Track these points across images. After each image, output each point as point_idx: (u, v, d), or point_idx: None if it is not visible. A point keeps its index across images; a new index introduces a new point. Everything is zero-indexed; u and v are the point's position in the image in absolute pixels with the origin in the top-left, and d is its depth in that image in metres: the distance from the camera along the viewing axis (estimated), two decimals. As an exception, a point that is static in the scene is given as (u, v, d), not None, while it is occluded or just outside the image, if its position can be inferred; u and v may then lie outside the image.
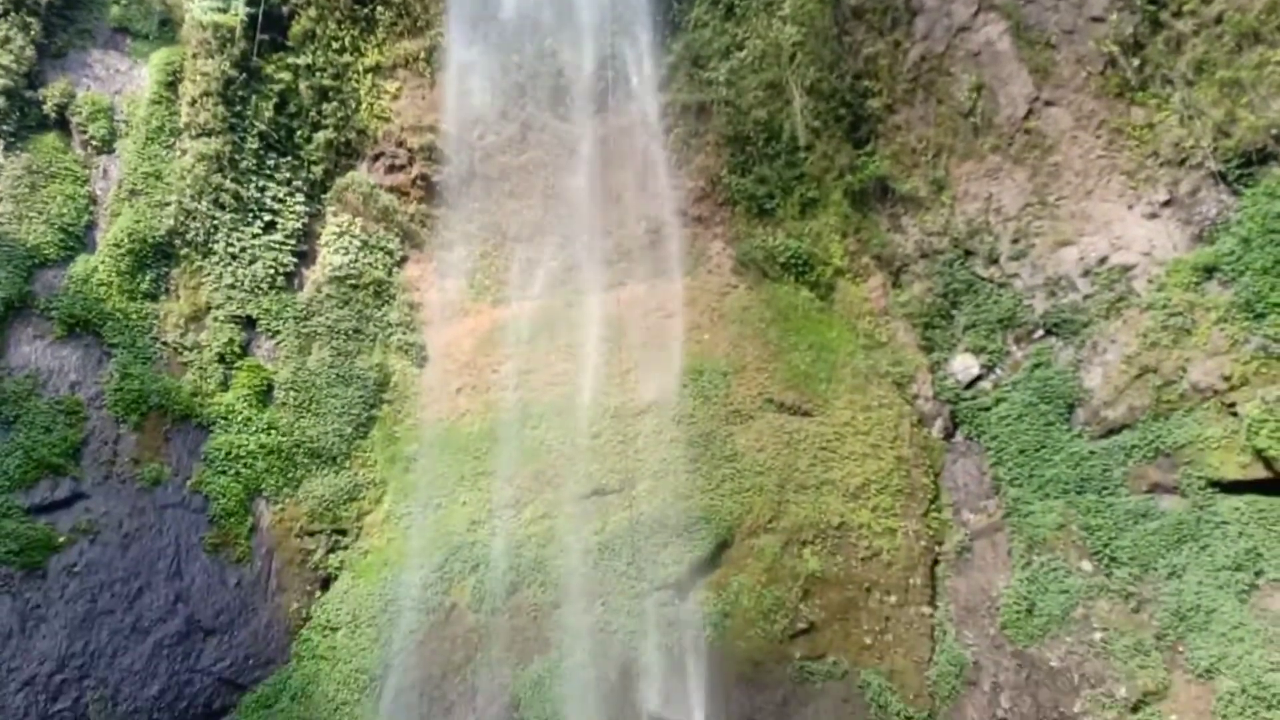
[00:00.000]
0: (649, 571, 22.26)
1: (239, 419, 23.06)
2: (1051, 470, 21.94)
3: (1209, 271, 21.09)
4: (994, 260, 24.28)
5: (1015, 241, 24.01)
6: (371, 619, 22.51)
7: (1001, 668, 21.31)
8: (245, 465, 22.81)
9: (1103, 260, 22.72)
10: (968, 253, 24.71)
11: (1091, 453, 21.66)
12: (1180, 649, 19.61)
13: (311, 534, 23.29)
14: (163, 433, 22.16)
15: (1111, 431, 21.65)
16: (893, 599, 22.33)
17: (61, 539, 20.46)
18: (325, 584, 23.27)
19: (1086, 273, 22.88)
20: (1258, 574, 19.27)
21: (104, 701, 20.01)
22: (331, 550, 23.52)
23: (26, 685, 19.48)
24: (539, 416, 24.26)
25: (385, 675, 21.90)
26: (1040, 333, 23.37)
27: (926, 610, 22.41)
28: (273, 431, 23.32)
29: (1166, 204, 22.26)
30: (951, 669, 21.69)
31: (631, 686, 21.43)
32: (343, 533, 23.70)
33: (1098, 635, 20.33)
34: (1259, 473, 19.68)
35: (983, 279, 24.40)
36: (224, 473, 22.55)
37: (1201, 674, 19.23)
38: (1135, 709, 19.63)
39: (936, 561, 22.91)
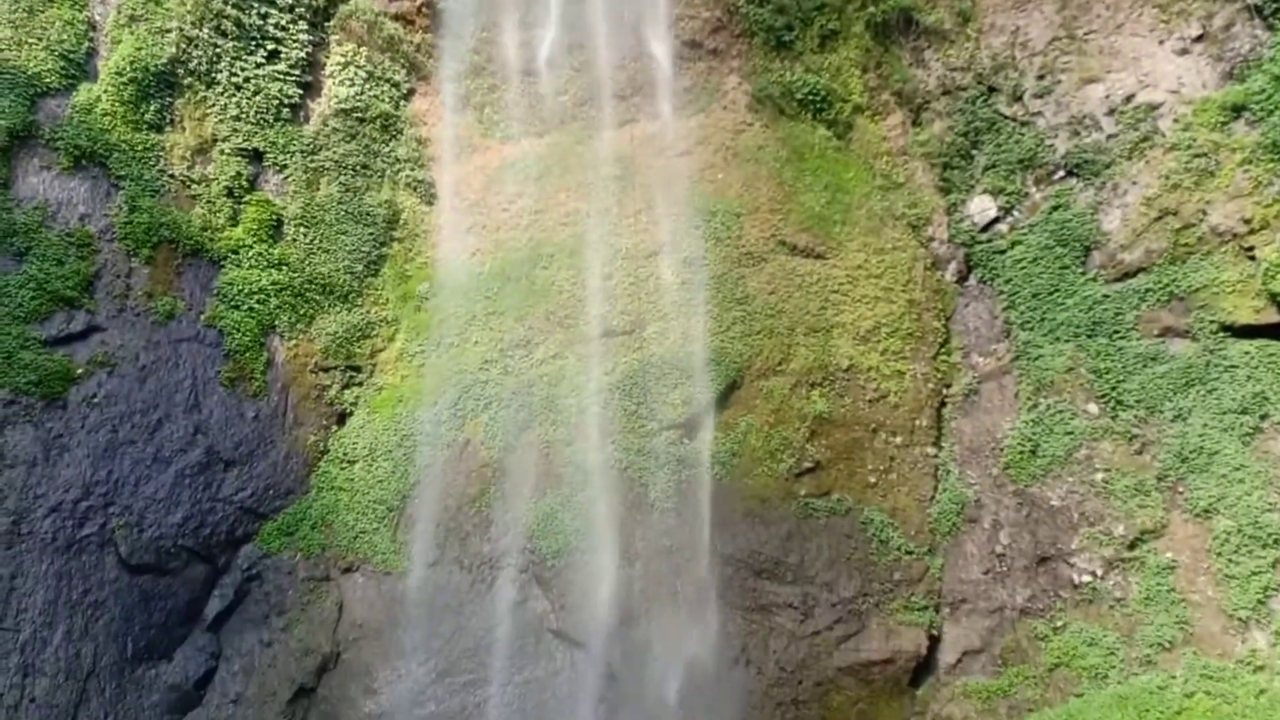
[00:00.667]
0: (659, 412, 22.56)
1: (250, 254, 23.02)
2: (1063, 314, 21.90)
3: (1237, 111, 20.51)
4: (1018, 98, 23.63)
5: (1041, 78, 23.30)
6: (387, 453, 22.99)
7: (1002, 506, 21.79)
8: (258, 301, 22.89)
9: (1129, 98, 22.08)
10: (991, 89, 24.03)
11: (1105, 296, 21.56)
12: (1180, 490, 19.98)
13: (326, 370, 23.57)
14: (174, 267, 22.18)
15: (1126, 275, 21.50)
16: (898, 440, 22.66)
17: (79, 370, 20.74)
18: (341, 419, 23.68)
19: (1111, 111, 22.27)
20: (1263, 417, 19.44)
21: (129, 528, 20.67)
22: (346, 386, 23.84)
23: (53, 511, 20.07)
24: (549, 257, 24.15)
25: (402, 507, 22.51)
26: (1061, 174, 22.92)
27: (931, 451, 22.77)
28: (284, 268, 23.31)
29: (1198, 39, 21.47)
30: (953, 507, 22.19)
31: (643, 521, 22.01)
32: (357, 369, 23.98)
33: (1099, 476, 20.68)
34: (1272, 317, 19.63)
35: (1005, 117, 23.79)
36: (237, 308, 22.66)
37: (1199, 514, 19.64)
38: (1132, 546, 20.14)
39: (943, 404, 23.15)
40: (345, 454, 23.06)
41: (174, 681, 20.78)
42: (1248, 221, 20.01)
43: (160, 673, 20.74)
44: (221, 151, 23.07)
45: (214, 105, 23.02)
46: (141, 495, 20.85)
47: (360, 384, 23.95)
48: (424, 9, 25.76)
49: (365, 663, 21.26)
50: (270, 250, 23.30)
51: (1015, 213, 23.49)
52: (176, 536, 21.02)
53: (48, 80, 21.33)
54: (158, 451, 21.14)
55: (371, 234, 24.42)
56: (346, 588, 21.91)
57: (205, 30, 22.78)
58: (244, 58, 23.38)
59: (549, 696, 21.15)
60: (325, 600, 21.74)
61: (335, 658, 21.34)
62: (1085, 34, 22.74)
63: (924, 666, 21.58)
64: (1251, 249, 19.96)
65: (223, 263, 22.80)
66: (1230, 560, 19.13)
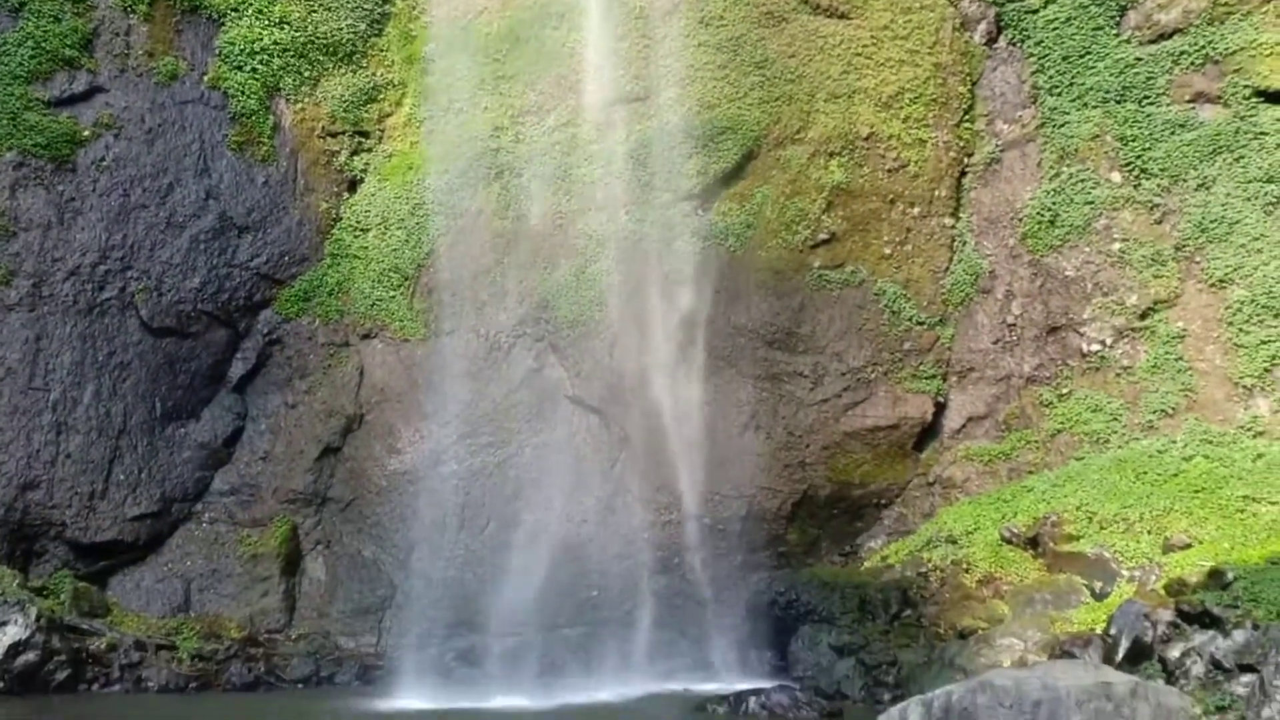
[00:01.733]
0: (673, 182, 22.30)
1: (250, 10, 22.17)
2: (1093, 78, 21.28)
3: None
4: None
5: None
6: (400, 221, 22.86)
7: (1016, 276, 21.87)
8: (261, 62, 22.20)
9: None
10: None
11: (1138, 59, 20.89)
12: (1197, 260, 20.01)
13: (334, 135, 23.13)
14: (173, 24, 21.42)
15: (1161, 37, 20.74)
16: (915, 210, 22.48)
17: (85, 133, 20.39)
18: (352, 186, 23.41)
19: None
20: (1287, 186, 19.22)
21: (148, 292, 20.84)
22: (355, 153, 23.45)
23: (72, 275, 20.21)
24: (559, 16, 23.22)
25: (417, 275, 22.60)
26: (1098, -71, 21.75)
27: (948, 222, 22.64)
28: (286, 26, 22.47)
29: None
30: (967, 278, 22.28)
31: (656, 292, 22.16)
32: (365, 135, 23.53)
33: (1117, 245, 20.66)
34: (1308, 82, 19.10)
35: None
36: (240, 69, 22.01)
37: (1215, 283, 19.74)
38: (1143, 316, 20.35)
39: (963, 174, 22.83)
40: (358, 222, 22.95)
41: (203, 440, 21.49)
42: (1292, -21, 19.17)
43: (189, 431, 21.41)
44: (213, -102, 21.86)
45: None
46: (158, 260, 20.91)
47: (369, 150, 23.56)
48: None
49: (388, 424, 21.89)
50: (271, 7, 22.42)
51: (1049, -29, 22.41)
52: (195, 301, 21.22)
53: None
54: (170, 216, 21.05)
55: (372, -12, 23.47)
56: (366, 353, 22.29)
57: None
58: None
59: (566, 458, 21.87)
60: (346, 365, 22.17)
61: (359, 419, 21.97)
62: None
63: (928, 431, 22.23)
64: (1294, 10, 19.21)
65: (223, 20, 22.00)
66: (1241, 329, 19.37)
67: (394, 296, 22.46)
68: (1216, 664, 11.90)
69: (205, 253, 21.34)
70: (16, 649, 17.00)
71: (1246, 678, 11.47)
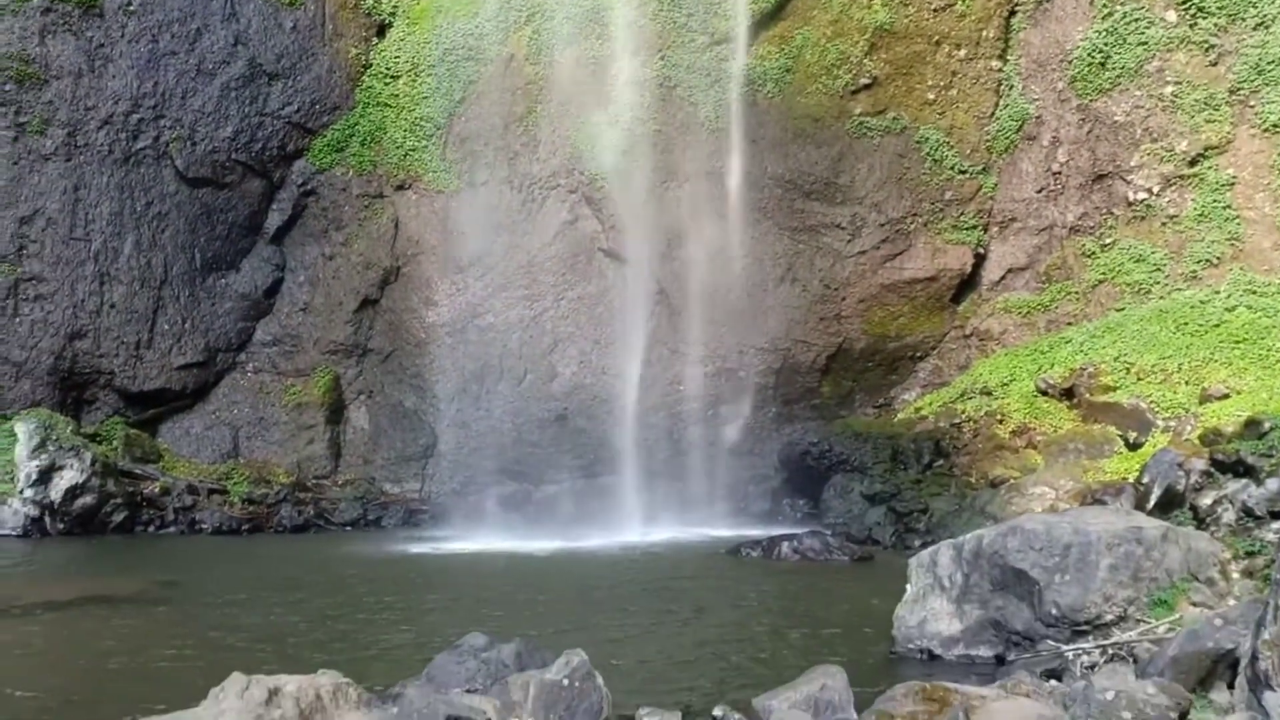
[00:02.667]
0: (709, 23, 21.63)
1: None
2: (1155, -91, 20.13)
3: None
4: None
5: None
6: (430, 68, 22.44)
7: (1064, 122, 21.24)
8: (284, -100, 21.52)
9: None
10: None
11: (1203, -112, 19.71)
12: (1251, 103, 19.30)
13: (362, -23, 22.53)
14: None
15: None
16: (961, 53, 21.72)
17: (111, -23, 20.01)
18: (381, 31, 22.91)
19: None
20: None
21: (182, 141, 20.77)
22: (383, -4, 22.87)
23: (106, 124, 20.13)
24: None
25: (449, 124, 22.31)
26: None
27: (995, 65, 21.87)
28: None
29: None
30: (1012, 124, 21.67)
31: (692, 141, 21.77)
32: (393, -23, 22.88)
33: (1169, 89, 19.94)
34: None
35: None
36: (262, -93, 21.35)
37: (1268, 128, 19.09)
38: (1192, 163, 19.79)
39: (1012, 13, 21.90)
40: (388, 68, 22.54)
41: (243, 291, 21.75)
42: None
43: (230, 282, 21.65)
44: None
45: None
46: (190, 108, 20.75)
47: (398, -10, 22.95)
48: None
49: (424, 277, 22.00)
50: None
51: None
52: (229, 150, 21.14)
53: None
54: (200, 63, 20.79)
55: None
56: (401, 205, 22.23)
57: None
58: None
59: (601, 310, 21.96)
60: (381, 216, 22.15)
61: (395, 271, 22.08)
62: None
63: (967, 283, 22.03)
64: None
65: None
66: (1293, 176, 18.82)
67: (426, 146, 22.23)
68: (1248, 511, 12.00)
69: (236, 101, 21.13)
70: (74, 491, 17.68)
71: (1278, 524, 11.58)
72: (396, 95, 22.46)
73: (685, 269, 21.68)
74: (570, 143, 22.12)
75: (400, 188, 22.23)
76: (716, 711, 7.50)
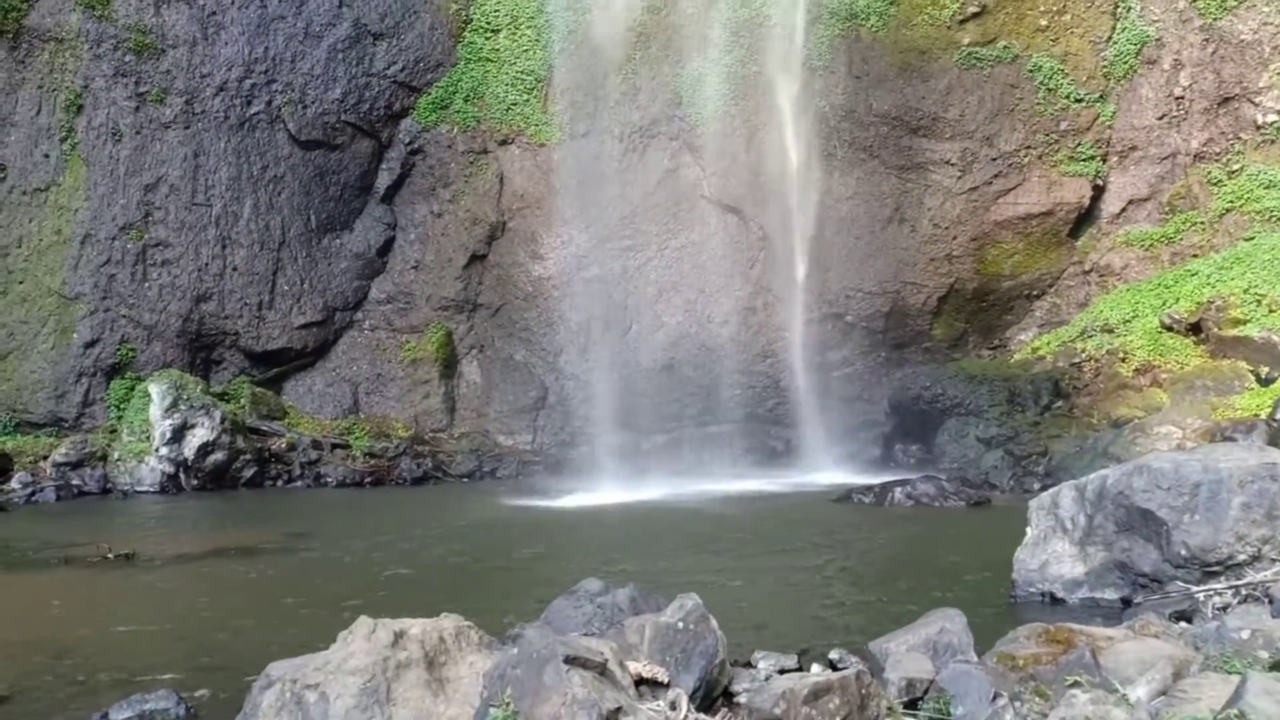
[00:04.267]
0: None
1: None
2: None
3: None
4: None
5: None
6: (530, 19, 22.46)
7: (1185, 43, 20.18)
8: None
9: None
10: None
11: None
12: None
13: (459, -67, 22.59)
14: None
15: None
16: (1076, -23, 20.74)
17: (218, -53, 20.47)
18: (480, -15, 22.97)
19: None
20: None
21: (294, 105, 21.26)
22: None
23: (221, 90, 20.72)
24: None
25: (550, 76, 22.34)
26: None
27: (1112, -13, 20.83)
28: None
29: None
30: (1130, 48, 20.68)
31: (795, 80, 21.38)
32: (490, -69, 22.86)
33: (1305, 3, 18.73)
34: None
35: None
36: None
37: None
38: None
39: (1131, -69, 20.81)
40: (488, 22, 22.61)
41: (358, 250, 22.28)
42: None
43: (344, 242, 22.20)
44: None
45: None
46: (300, 72, 21.21)
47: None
48: None
49: (530, 230, 22.20)
50: None
51: None
52: (339, 112, 21.56)
53: None
54: (308, 26, 21.18)
55: None
56: (505, 160, 22.41)
57: None
58: None
59: (705, 259, 21.87)
60: (486, 172, 22.38)
61: (502, 226, 22.32)
62: None
63: (1085, 217, 21.25)
64: None
65: None
66: None
67: (528, 100, 22.32)
68: (1393, 446, 11.41)
69: (344, 62, 21.51)
70: (206, 449, 18.51)
71: None
72: (497, 49, 22.55)
73: (789, 213, 21.41)
74: (670, 89, 21.95)
75: (504, 143, 22.39)
76: (833, 655, 7.50)
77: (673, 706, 5.36)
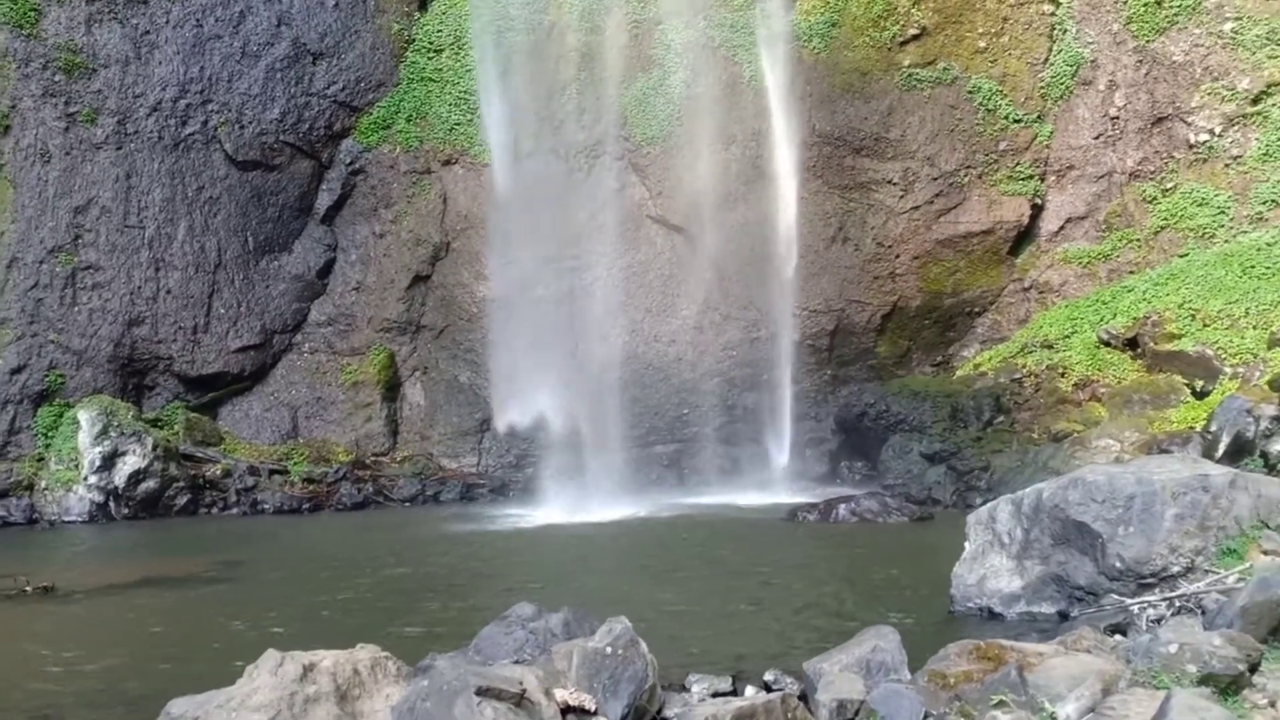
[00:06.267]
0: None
1: None
2: None
3: None
4: None
5: None
6: (475, 39, 22.33)
7: (1120, 65, 20.53)
8: (320, -121, 21.45)
9: None
10: None
11: None
12: (1322, 31, 18.46)
13: (400, -47, 22.45)
14: None
15: None
16: (1013, -3, 21.07)
17: (151, -36, 20.13)
18: (423, 5, 22.84)
19: None
20: None
21: (230, 125, 20.94)
22: (423, -30, 22.76)
23: (154, 110, 20.35)
24: None
25: (491, 98, 22.22)
26: None
27: (1047, 9, 21.17)
28: None
29: None
30: (1067, 69, 21.00)
31: (737, 102, 21.44)
32: (432, -49, 22.76)
33: (1229, 25, 19.20)
34: None
35: None
36: (298, -112, 21.32)
37: (1340, 60, 18.26)
38: (1255, 100, 19.06)
39: (1064, -46, 21.19)
40: (430, 42, 22.47)
41: (297, 272, 21.93)
42: None
43: (283, 264, 21.84)
44: None
45: None
46: (236, 91, 20.90)
47: (438, -34, 22.84)
48: None
49: (474, 251, 21.99)
50: None
51: None
52: (277, 132, 21.27)
53: None
54: (245, 45, 20.90)
55: None
56: (448, 180, 22.22)
57: None
58: None
59: (652, 279, 21.81)
60: (429, 193, 22.17)
61: (445, 247, 22.10)
62: None
63: (1024, 235, 21.48)
64: None
65: None
66: (1367, 108, 18.01)
67: (471, 120, 22.16)
68: (1323, 457, 11.58)
69: (282, 81, 21.24)
70: (137, 477, 18.02)
71: (1356, 469, 11.15)
72: (440, 70, 22.41)
73: (735, 233, 21.42)
74: (615, 109, 21.91)
75: (447, 163, 22.21)
76: (768, 676, 7.37)
77: (597, 735, 5.20)
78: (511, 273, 21.73)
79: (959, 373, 20.59)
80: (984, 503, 12.13)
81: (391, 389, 21.82)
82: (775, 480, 20.07)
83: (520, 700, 4.76)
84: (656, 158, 21.68)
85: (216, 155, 20.93)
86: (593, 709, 5.99)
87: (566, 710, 6.08)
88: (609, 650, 6.14)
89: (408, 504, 20.07)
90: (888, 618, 9.02)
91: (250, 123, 21.01)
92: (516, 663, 7.84)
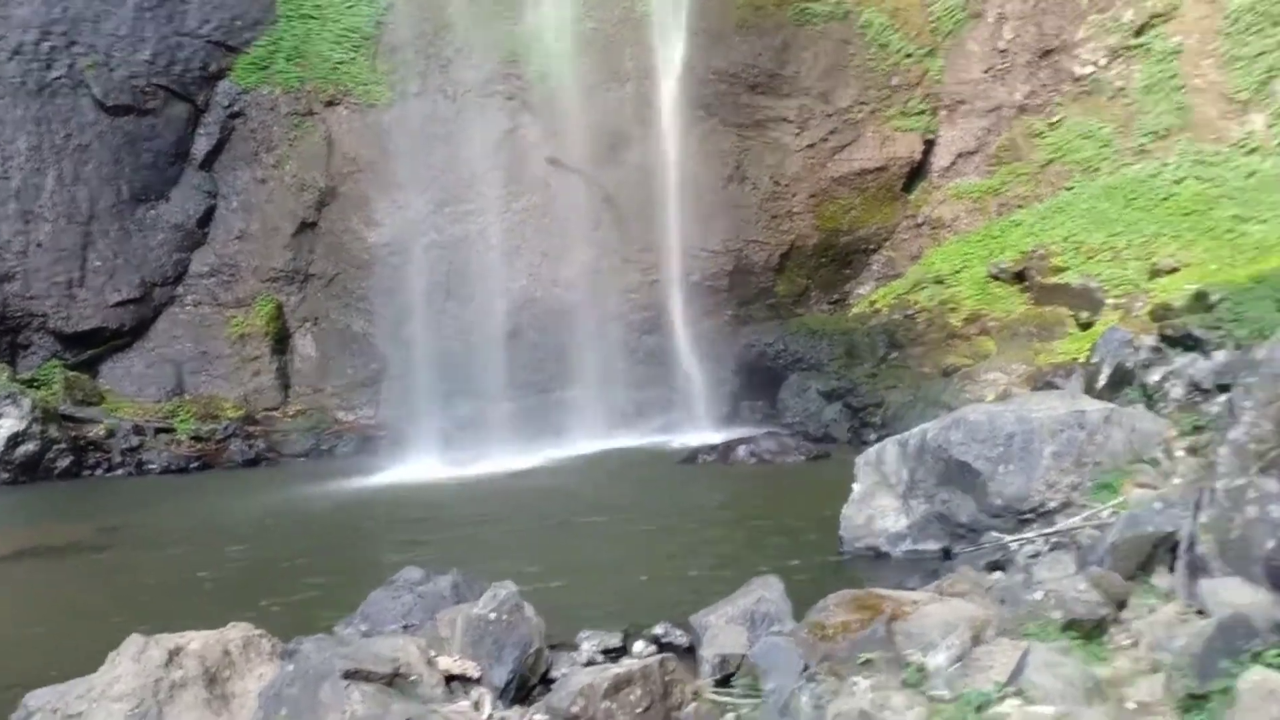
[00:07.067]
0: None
1: None
2: None
3: None
4: None
5: None
6: (353, -25, 21.47)
7: (1009, -1, 20.69)
8: None
9: None
10: None
11: None
12: (1199, -31, 18.82)
13: (273, -117, 21.34)
14: None
15: None
16: (902, -69, 21.00)
17: (1, -104, 18.79)
18: (299, -62, 21.82)
19: None
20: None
21: (98, 68, 19.83)
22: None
23: (15, 54, 19.17)
24: None
25: (378, 34, 21.45)
26: None
27: (936, -58, 21.16)
28: None
29: None
30: (957, 2, 21.08)
31: (631, 38, 21.07)
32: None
33: (1114, -42, 19.40)
34: None
35: None
36: None
37: (1215, -6, 18.66)
38: (1139, 32, 19.40)
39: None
40: (309, -22, 21.53)
41: (175, 221, 21.01)
42: None
43: (160, 213, 20.90)
44: None
45: None
46: (103, 33, 19.77)
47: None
48: None
49: (363, 195, 21.35)
50: None
51: None
52: (148, 75, 20.21)
53: None
54: (110, -16, 19.76)
55: None
56: (332, 121, 21.46)
57: None
58: None
59: (549, 222, 21.47)
60: (313, 135, 21.39)
61: (332, 192, 21.40)
62: None
63: (917, 171, 21.68)
64: None
65: None
66: (1239, 40, 18.47)
67: (355, 59, 21.38)
68: (1195, 385, 11.87)
69: (152, 21, 20.14)
70: (15, 440, 17.21)
71: (1224, 398, 11.50)
72: (320, 6, 21.51)
73: (631, 173, 21.16)
74: (505, 47, 21.34)
75: (330, 104, 21.42)
76: (658, 629, 7.36)
77: (476, 706, 5.10)
78: (402, 218, 21.18)
79: (855, 310, 20.83)
80: (878, 439, 12.31)
81: (281, 341, 21.18)
82: (677, 423, 20.10)
83: (393, 679, 4.62)
84: (548, 97, 21.21)
85: (85, 100, 19.82)
86: (477, 676, 5.89)
87: (450, 679, 5.98)
88: (493, 616, 6.03)
89: (302, 459, 19.58)
90: (781, 562, 9.11)
91: (119, 65, 19.92)
92: (405, 628, 7.72)
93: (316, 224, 21.37)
